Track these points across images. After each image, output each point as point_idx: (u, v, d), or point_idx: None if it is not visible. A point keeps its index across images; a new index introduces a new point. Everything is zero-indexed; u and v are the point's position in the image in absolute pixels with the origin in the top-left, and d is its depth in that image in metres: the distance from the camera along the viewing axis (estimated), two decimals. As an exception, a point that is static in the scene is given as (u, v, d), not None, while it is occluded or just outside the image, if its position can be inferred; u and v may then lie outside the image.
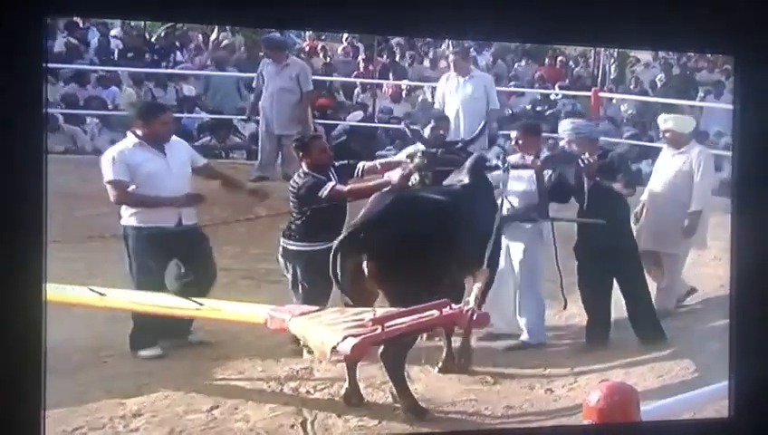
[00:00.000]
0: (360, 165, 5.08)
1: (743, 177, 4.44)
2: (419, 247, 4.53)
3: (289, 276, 4.89)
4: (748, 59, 4.25)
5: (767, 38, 4.16)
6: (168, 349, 4.91)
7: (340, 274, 4.42)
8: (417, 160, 4.91)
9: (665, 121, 5.60)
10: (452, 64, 6.59)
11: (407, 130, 5.45)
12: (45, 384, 2.67)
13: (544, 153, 5.34)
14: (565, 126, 5.33)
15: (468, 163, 4.95)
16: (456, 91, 6.44)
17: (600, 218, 5.06)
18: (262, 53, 7.11)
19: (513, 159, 5.24)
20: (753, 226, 4.32)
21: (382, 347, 4.38)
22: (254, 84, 6.96)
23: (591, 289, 5.19)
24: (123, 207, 4.96)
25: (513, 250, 5.25)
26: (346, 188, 4.86)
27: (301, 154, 4.94)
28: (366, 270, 4.42)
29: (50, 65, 7.50)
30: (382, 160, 5.30)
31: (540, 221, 5.15)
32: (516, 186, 5.20)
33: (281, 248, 4.91)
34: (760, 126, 4.33)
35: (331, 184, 4.79)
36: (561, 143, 5.35)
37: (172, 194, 4.93)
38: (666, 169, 5.53)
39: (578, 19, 3.99)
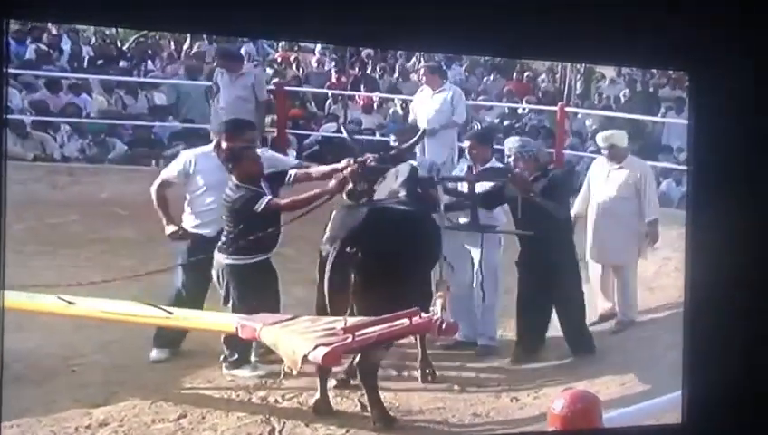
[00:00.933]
0: (291, 172, 4.93)
1: (698, 190, 4.52)
2: (401, 259, 4.53)
3: (221, 292, 4.76)
4: (702, 75, 4.31)
5: (721, 55, 4.24)
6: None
7: (328, 287, 4.39)
8: (350, 168, 4.79)
9: (606, 139, 5.67)
10: (423, 78, 6.63)
11: (346, 135, 5.43)
12: (0, 395, 2.56)
13: (491, 165, 5.37)
14: (512, 143, 5.36)
15: (402, 174, 4.90)
16: (424, 104, 6.49)
17: (532, 231, 5.09)
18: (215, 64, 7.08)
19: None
20: (707, 238, 4.39)
21: (359, 356, 4.38)
22: (209, 94, 6.95)
23: (524, 302, 5.22)
24: (185, 210, 5.02)
25: (472, 255, 5.27)
26: (283, 202, 4.74)
27: (230, 165, 4.76)
28: (353, 283, 4.39)
29: (18, 71, 7.44)
30: (315, 168, 5.13)
31: (472, 231, 5.19)
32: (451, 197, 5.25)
33: (214, 262, 4.78)
34: (714, 139, 4.40)
35: (267, 198, 4.68)
36: (507, 160, 5.35)
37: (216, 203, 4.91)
38: (607, 183, 5.61)
39: (541, 35, 4.04)
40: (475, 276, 5.28)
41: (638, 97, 7.82)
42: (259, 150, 5.08)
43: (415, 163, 5.19)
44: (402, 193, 4.80)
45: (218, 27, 4.26)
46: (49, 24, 7.48)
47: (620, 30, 4.10)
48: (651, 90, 7.91)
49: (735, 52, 4.23)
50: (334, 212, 4.69)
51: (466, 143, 5.45)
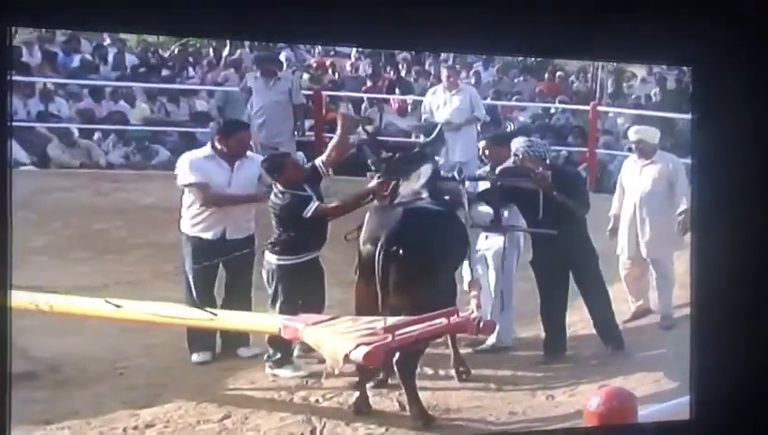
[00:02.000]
0: (318, 162, 4.95)
1: (701, 184, 4.43)
2: (438, 257, 4.55)
3: (270, 292, 4.82)
4: (705, 70, 4.23)
5: (723, 50, 4.16)
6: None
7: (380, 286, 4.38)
8: (380, 167, 4.86)
9: (636, 133, 5.67)
10: (444, 79, 6.64)
11: (365, 134, 5.39)
12: (10, 398, 2.57)
13: (505, 164, 5.31)
14: (519, 143, 5.30)
15: (424, 175, 4.88)
16: (444, 105, 6.50)
17: (560, 227, 5.01)
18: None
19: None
20: (713, 235, 4.30)
21: (397, 355, 4.38)
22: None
23: (549, 303, 5.18)
24: (184, 215, 5.02)
25: (489, 256, 5.24)
26: (330, 206, 4.84)
27: (275, 175, 4.85)
28: (394, 282, 4.40)
29: (69, 81, 7.56)
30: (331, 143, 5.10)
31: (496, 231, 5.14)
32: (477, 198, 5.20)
33: (264, 263, 4.86)
34: (717, 135, 4.31)
35: (315, 204, 4.76)
36: (513, 159, 5.28)
37: (230, 207, 4.96)
38: (639, 179, 5.59)
39: (546, 33, 3.99)
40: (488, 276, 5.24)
41: (670, 95, 7.70)
42: (250, 154, 5.13)
43: (438, 161, 5.17)
44: (425, 194, 4.79)
45: (254, 34, 4.26)
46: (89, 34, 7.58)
47: (623, 26, 4.05)
48: (684, 87, 7.77)
49: (740, 46, 4.15)
50: (368, 212, 4.71)
51: (482, 144, 5.43)
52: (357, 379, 4.52)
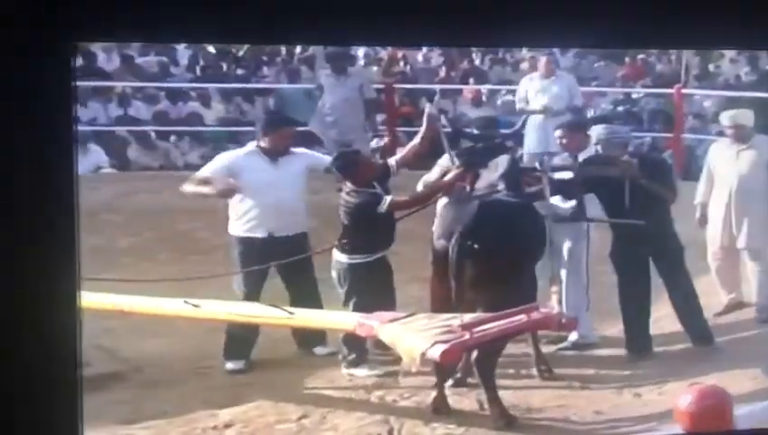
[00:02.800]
0: (392, 161, 4.96)
1: None
2: (515, 251, 4.49)
3: (342, 291, 4.81)
4: None
5: None
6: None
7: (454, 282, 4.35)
8: (461, 159, 4.80)
9: (732, 118, 5.44)
10: (541, 66, 6.55)
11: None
12: (82, 398, 2.65)
13: (587, 153, 5.18)
14: (599, 130, 5.17)
15: (501, 166, 4.78)
16: (541, 92, 6.40)
17: (646, 217, 4.88)
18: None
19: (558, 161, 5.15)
20: None
21: (476, 353, 4.34)
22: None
23: (630, 298, 5.02)
24: (230, 216, 5.03)
25: (560, 249, 5.11)
26: (403, 200, 4.82)
27: (347, 173, 4.83)
28: (469, 278, 4.36)
29: (142, 84, 7.76)
30: (407, 147, 5.09)
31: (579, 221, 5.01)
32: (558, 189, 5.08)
33: (334, 262, 4.85)
34: None
35: (389, 198, 4.74)
36: (595, 148, 5.16)
37: (275, 204, 4.93)
38: (736, 165, 5.37)
39: (641, 23, 3.88)
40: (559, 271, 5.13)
41: (764, 74, 7.37)
42: (295, 150, 5.09)
43: (518, 152, 5.09)
44: (501, 186, 4.70)
45: (309, 37, 4.28)
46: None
47: (697, 11, 3.89)
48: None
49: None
50: (441, 206, 4.67)
51: (558, 132, 5.29)
52: (435, 378, 4.49)
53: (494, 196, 4.67)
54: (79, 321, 2.59)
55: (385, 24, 3.64)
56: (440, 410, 4.42)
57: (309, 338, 5.02)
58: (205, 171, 5.09)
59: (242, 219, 5.00)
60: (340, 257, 4.84)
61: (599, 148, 5.10)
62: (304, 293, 4.93)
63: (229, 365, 4.91)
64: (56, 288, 2.56)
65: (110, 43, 6.52)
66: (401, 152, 5.06)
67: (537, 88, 6.46)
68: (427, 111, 5.00)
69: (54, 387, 2.55)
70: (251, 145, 5.10)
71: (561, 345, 5.10)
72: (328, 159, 5.11)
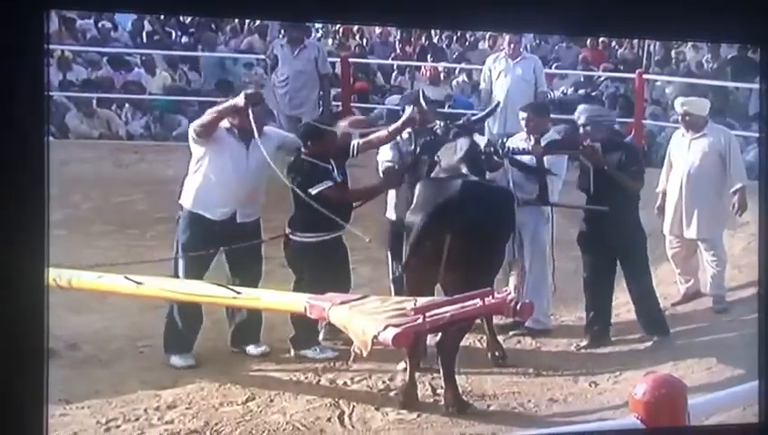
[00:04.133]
0: (354, 142, 4.89)
1: None
2: (494, 232, 4.51)
3: (293, 271, 4.75)
4: None
5: None
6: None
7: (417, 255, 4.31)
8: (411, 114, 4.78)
9: (683, 105, 5.47)
10: (506, 46, 6.53)
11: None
12: (48, 376, 2.58)
13: (549, 137, 5.20)
14: (584, 111, 5.19)
15: (461, 149, 4.75)
16: (505, 73, 6.36)
17: (610, 205, 4.93)
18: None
19: (515, 142, 5.17)
20: None
21: (439, 336, 4.33)
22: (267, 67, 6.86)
23: (594, 284, 5.08)
24: (184, 186, 4.81)
25: (521, 234, 5.11)
26: (339, 195, 4.72)
27: (309, 142, 4.77)
28: (446, 252, 4.30)
29: (82, 48, 7.53)
30: (375, 135, 4.98)
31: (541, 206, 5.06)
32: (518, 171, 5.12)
33: (285, 240, 4.77)
34: None
35: (327, 184, 4.68)
36: (580, 128, 5.17)
37: (230, 186, 4.74)
38: (688, 153, 5.40)
39: (607, 10, 3.88)
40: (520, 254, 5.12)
41: (733, 63, 7.45)
42: (265, 127, 4.91)
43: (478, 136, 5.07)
44: (464, 168, 4.67)
45: (274, 12, 4.17)
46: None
47: (688, 4, 3.92)
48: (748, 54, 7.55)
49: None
50: (419, 184, 4.61)
51: (522, 114, 5.29)
52: (402, 366, 4.47)
53: (470, 177, 4.62)
54: (46, 298, 2.52)
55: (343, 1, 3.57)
56: (409, 403, 4.35)
57: (242, 336, 4.86)
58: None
59: (203, 196, 4.75)
60: (291, 235, 4.75)
61: (588, 129, 5.08)
62: (249, 281, 4.74)
63: (175, 360, 4.70)
64: (23, 266, 2.48)
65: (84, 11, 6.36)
66: (366, 136, 4.97)
67: (501, 68, 6.42)
68: (408, 114, 4.88)
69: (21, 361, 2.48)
70: (225, 122, 4.82)
71: (515, 331, 5.12)
72: (296, 140, 4.97)
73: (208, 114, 4.76)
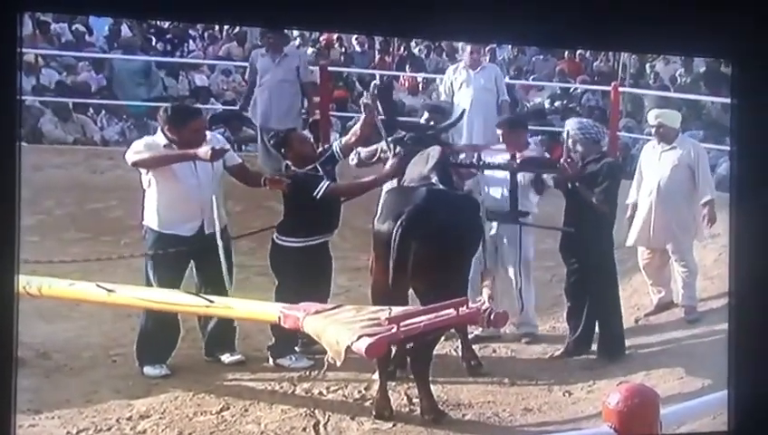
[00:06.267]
0: (335, 144, 4.96)
1: (742, 175, 4.33)
2: (461, 241, 4.52)
3: (275, 276, 4.74)
4: (747, 63, 4.17)
5: (764, 43, 4.08)
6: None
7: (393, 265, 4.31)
8: (397, 157, 4.81)
9: (657, 117, 5.54)
10: (467, 57, 6.49)
11: (380, 126, 5.20)
12: (16, 384, 2.55)
13: (529, 151, 5.25)
14: (571, 125, 5.22)
15: (432, 158, 4.74)
16: (467, 83, 6.36)
17: (580, 224, 4.98)
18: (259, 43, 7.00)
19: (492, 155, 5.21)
20: (754, 224, 4.21)
21: (412, 346, 4.34)
22: (246, 77, 6.82)
23: (569, 290, 5.12)
24: (145, 206, 4.75)
25: (494, 243, 5.17)
26: (342, 186, 4.82)
27: (282, 150, 4.83)
28: (413, 261, 4.32)
29: (58, 53, 7.47)
30: (351, 130, 5.08)
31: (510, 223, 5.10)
32: (492, 185, 5.18)
33: (271, 246, 4.77)
34: (759, 122, 4.23)
35: (326, 183, 4.71)
36: (567, 143, 5.20)
37: (193, 199, 4.69)
38: (659, 165, 5.47)
39: (581, 23, 3.92)
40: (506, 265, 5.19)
41: (705, 77, 7.54)
42: (209, 135, 4.88)
43: (450, 145, 5.09)
44: (434, 178, 4.67)
45: (252, 18, 4.17)
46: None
47: (662, 17, 3.98)
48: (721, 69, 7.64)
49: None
50: (385, 193, 4.65)
51: (498, 131, 5.34)
52: (373, 376, 4.45)
53: (437, 186, 4.63)
54: (16, 305, 2.49)
55: (320, 10, 3.58)
56: (384, 414, 4.34)
57: (216, 345, 4.83)
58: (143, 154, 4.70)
59: (168, 215, 4.70)
60: (275, 239, 4.77)
61: (578, 146, 5.11)
62: (220, 290, 4.68)
63: (149, 370, 4.64)
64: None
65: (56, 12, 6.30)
66: (344, 137, 5.01)
67: (463, 79, 6.39)
68: (363, 100, 4.99)
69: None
70: (161, 138, 4.74)
71: (525, 339, 5.19)
72: (238, 159, 4.97)
73: (159, 157, 4.65)
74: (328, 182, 4.73)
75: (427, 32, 4.54)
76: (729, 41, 4.05)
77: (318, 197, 4.68)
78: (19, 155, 2.50)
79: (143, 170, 4.72)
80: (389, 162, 4.81)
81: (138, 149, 4.70)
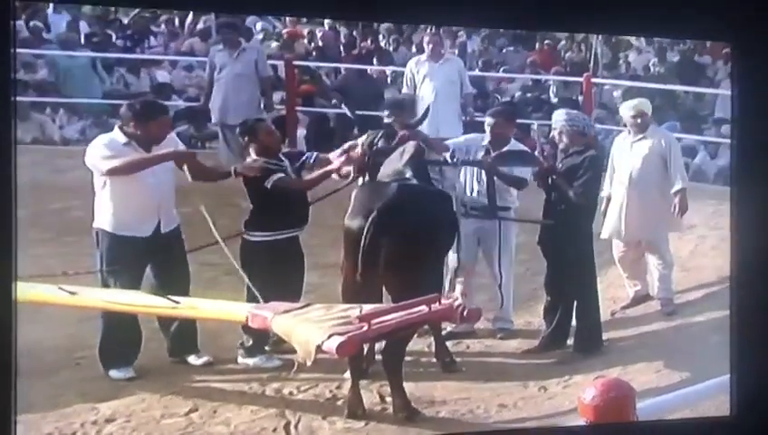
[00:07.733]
0: (313, 154, 4.99)
1: (742, 165, 4.41)
2: (433, 237, 4.54)
3: (244, 274, 4.69)
4: (746, 47, 4.22)
5: (765, 26, 4.14)
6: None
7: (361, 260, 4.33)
8: (358, 154, 4.85)
9: (634, 107, 5.57)
10: (428, 49, 6.48)
11: (348, 112, 5.42)
12: (16, 388, 2.56)
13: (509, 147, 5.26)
14: (559, 116, 5.26)
15: (407, 153, 4.78)
16: (430, 77, 6.36)
17: (560, 216, 5.04)
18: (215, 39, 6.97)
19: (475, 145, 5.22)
20: (753, 214, 4.28)
21: (384, 343, 4.35)
22: (205, 74, 6.80)
23: (547, 284, 5.17)
24: (96, 208, 4.71)
25: (469, 240, 5.18)
26: (294, 180, 4.81)
27: (246, 139, 4.86)
28: (384, 257, 4.34)
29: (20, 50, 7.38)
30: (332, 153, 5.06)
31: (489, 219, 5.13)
32: (468, 181, 5.21)
33: (240, 241, 4.77)
34: (759, 113, 4.30)
35: (278, 176, 4.71)
36: (553, 133, 5.27)
37: (151, 198, 4.67)
38: (631, 156, 5.52)
39: (572, 4, 3.94)
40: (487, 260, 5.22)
41: (679, 67, 7.63)
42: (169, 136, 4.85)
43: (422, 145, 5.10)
44: (408, 173, 4.69)
45: (224, 4, 4.16)
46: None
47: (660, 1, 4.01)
48: (695, 59, 7.73)
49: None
50: (356, 189, 4.67)
51: (490, 120, 5.27)
52: (346, 376, 4.46)
53: (409, 182, 4.66)
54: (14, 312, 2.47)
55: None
56: (357, 413, 4.36)
57: (180, 346, 4.80)
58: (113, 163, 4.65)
59: (124, 216, 4.67)
60: (247, 235, 4.77)
61: (564, 137, 5.15)
62: (178, 290, 4.66)
63: (114, 373, 4.60)
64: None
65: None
66: (322, 156, 5.00)
67: (426, 71, 6.37)
68: (355, 151, 4.94)
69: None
70: (119, 133, 4.71)
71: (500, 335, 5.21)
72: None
73: (138, 162, 4.64)
74: (281, 175, 4.73)
75: (394, 16, 4.54)
76: (727, 23, 4.08)
77: (269, 187, 4.68)
78: (14, 158, 2.48)
79: (97, 172, 4.67)
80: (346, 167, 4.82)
81: (104, 154, 4.65)
